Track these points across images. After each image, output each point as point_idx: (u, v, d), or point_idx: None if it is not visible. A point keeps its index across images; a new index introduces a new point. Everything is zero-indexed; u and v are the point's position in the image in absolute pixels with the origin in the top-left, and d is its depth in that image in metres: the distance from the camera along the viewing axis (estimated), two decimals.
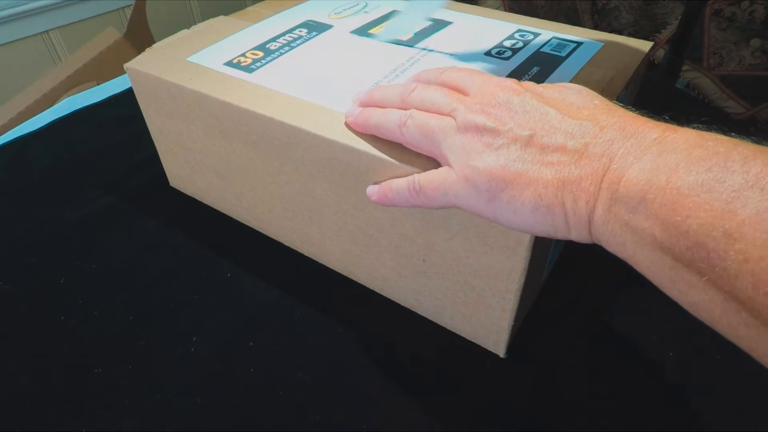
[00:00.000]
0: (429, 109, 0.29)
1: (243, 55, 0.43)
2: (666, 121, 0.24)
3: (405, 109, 0.31)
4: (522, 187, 0.25)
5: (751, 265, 0.18)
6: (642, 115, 0.25)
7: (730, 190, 0.19)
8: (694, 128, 0.23)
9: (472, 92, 0.29)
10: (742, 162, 0.19)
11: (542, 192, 0.24)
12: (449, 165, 0.28)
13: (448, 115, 0.28)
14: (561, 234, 0.25)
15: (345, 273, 0.42)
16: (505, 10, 0.87)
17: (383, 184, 0.32)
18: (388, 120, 0.31)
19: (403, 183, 0.30)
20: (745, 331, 0.19)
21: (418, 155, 0.31)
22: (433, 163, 0.30)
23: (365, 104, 0.34)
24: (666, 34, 1.21)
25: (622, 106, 0.26)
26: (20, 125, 0.63)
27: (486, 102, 0.27)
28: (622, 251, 0.23)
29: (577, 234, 0.25)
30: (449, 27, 0.46)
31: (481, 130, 0.26)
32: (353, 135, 0.33)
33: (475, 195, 0.26)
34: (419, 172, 0.30)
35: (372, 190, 0.33)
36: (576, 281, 0.42)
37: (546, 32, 0.44)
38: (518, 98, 0.26)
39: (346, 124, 0.34)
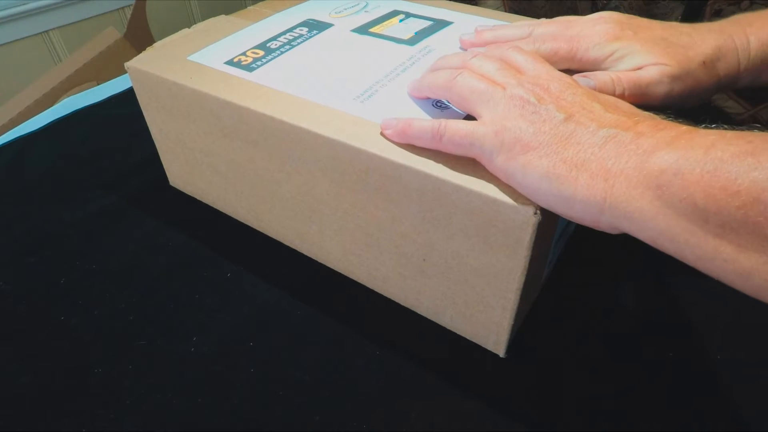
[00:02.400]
0: (484, 75, 0.31)
1: (243, 54, 0.43)
2: None
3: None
4: (541, 156, 0.26)
5: None
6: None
7: None
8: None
9: (527, 73, 0.30)
10: None
11: (558, 164, 0.26)
12: (483, 121, 0.29)
13: (499, 85, 0.30)
14: (562, 207, 0.26)
15: (345, 273, 0.42)
16: (505, 10, 0.87)
17: (402, 119, 0.32)
18: (439, 76, 0.33)
19: (427, 125, 0.31)
20: None
21: (422, 153, 0.31)
22: (441, 156, 0.31)
23: (431, 68, 0.36)
24: None
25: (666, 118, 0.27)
26: (20, 125, 0.63)
27: (539, 84, 0.29)
28: (651, 227, 0.23)
29: (582, 210, 0.25)
30: (450, 27, 0.46)
31: (525, 101, 0.28)
32: (354, 134, 0.33)
33: (497, 150, 0.28)
34: (423, 172, 0.30)
35: (388, 123, 0.33)
36: (576, 281, 0.42)
37: None
38: (571, 92, 0.28)
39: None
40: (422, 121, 0.31)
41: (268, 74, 0.40)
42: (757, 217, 0.19)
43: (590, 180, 0.24)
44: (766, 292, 0.20)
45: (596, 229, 0.26)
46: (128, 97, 0.66)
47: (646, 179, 0.23)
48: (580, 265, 0.43)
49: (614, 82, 0.32)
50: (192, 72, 0.41)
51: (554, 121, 0.27)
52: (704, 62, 0.32)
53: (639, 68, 0.32)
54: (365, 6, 0.51)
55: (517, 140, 0.27)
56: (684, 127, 0.24)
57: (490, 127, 0.28)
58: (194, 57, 0.43)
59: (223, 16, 0.51)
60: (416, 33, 0.45)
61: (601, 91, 0.31)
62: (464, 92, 0.31)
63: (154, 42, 0.46)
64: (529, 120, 0.27)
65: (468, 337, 0.38)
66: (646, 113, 0.27)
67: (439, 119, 0.31)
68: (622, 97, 0.31)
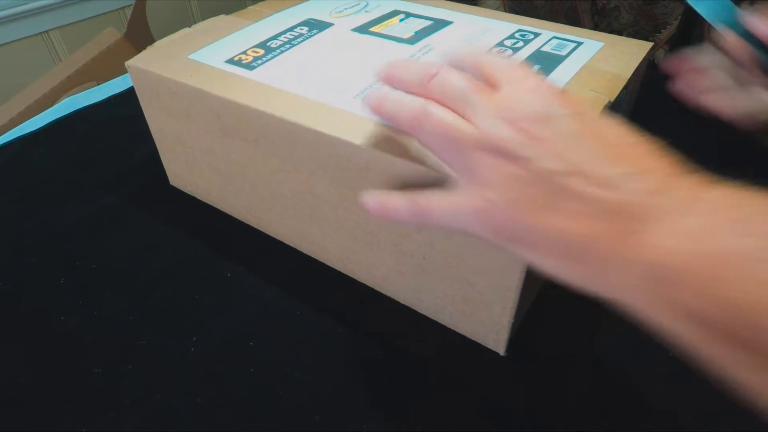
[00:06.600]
0: (449, 104, 0.25)
1: (244, 52, 0.43)
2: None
3: (424, 97, 0.26)
4: (539, 233, 0.22)
5: None
6: (678, 166, 0.22)
7: None
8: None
9: (503, 88, 0.24)
10: None
11: (558, 243, 0.22)
12: (462, 185, 0.25)
13: (467, 117, 0.24)
14: (577, 284, 0.23)
15: (345, 271, 0.42)
16: (505, 10, 0.87)
17: (381, 198, 0.28)
18: (403, 110, 0.26)
19: (402, 203, 0.27)
20: None
21: (422, 149, 0.31)
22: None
23: (383, 80, 0.29)
24: (666, 34, 1.21)
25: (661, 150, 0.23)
26: (20, 125, 0.63)
27: (516, 109, 0.23)
28: (654, 322, 0.21)
29: (594, 290, 0.23)
30: (450, 27, 0.46)
31: (503, 154, 0.22)
32: (353, 131, 0.33)
33: (491, 231, 0.24)
34: (423, 169, 0.30)
35: (369, 199, 0.29)
36: None
37: (546, 32, 0.44)
38: (556, 116, 0.22)
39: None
40: (396, 199, 0.27)
41: (269, 72, 0.40)
42: (766, 347, 0.17)
43: (596, 262, 0.21)
44: None
45: None
46: (128, 97, 0.66)
47: (641, 269, 0.20)
48: None
49: None
50: (192, 70, 0.41)
51: (546, 178, 0.22)
52: None
53: None
54: (365, 6, 0.51)
55: (508, 217, 0.23)
56: (687, 193, 0.20)
57: (472, 201, 0.24)
58: (195, 56, 0.43)
59: (223, 16, 0.51)
60: (416, 32, 0.45)
61: None
62: (436, 142, 0.25)
63: (155, 42, 0.46)
64: (515, 183, 0.22)
65: (468, 336, 0.38)
66: (646, 148, 0.22)
67: (413, 194, 0.26)
68: None
